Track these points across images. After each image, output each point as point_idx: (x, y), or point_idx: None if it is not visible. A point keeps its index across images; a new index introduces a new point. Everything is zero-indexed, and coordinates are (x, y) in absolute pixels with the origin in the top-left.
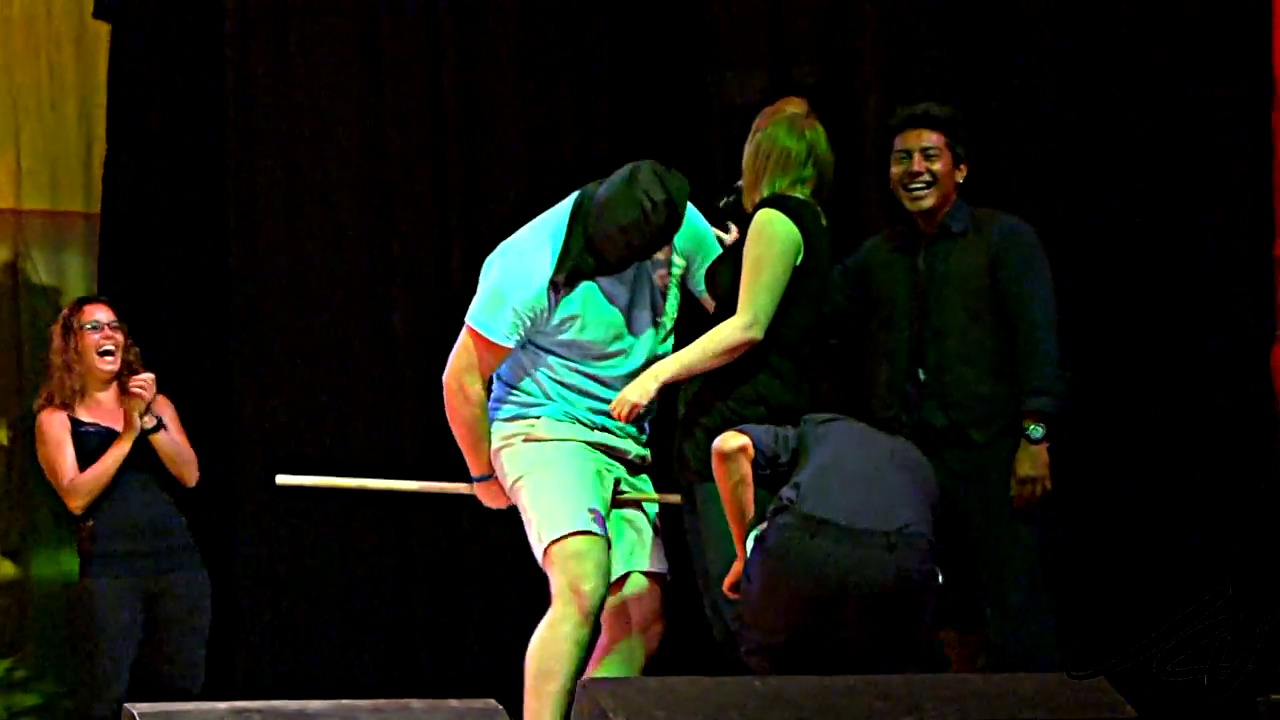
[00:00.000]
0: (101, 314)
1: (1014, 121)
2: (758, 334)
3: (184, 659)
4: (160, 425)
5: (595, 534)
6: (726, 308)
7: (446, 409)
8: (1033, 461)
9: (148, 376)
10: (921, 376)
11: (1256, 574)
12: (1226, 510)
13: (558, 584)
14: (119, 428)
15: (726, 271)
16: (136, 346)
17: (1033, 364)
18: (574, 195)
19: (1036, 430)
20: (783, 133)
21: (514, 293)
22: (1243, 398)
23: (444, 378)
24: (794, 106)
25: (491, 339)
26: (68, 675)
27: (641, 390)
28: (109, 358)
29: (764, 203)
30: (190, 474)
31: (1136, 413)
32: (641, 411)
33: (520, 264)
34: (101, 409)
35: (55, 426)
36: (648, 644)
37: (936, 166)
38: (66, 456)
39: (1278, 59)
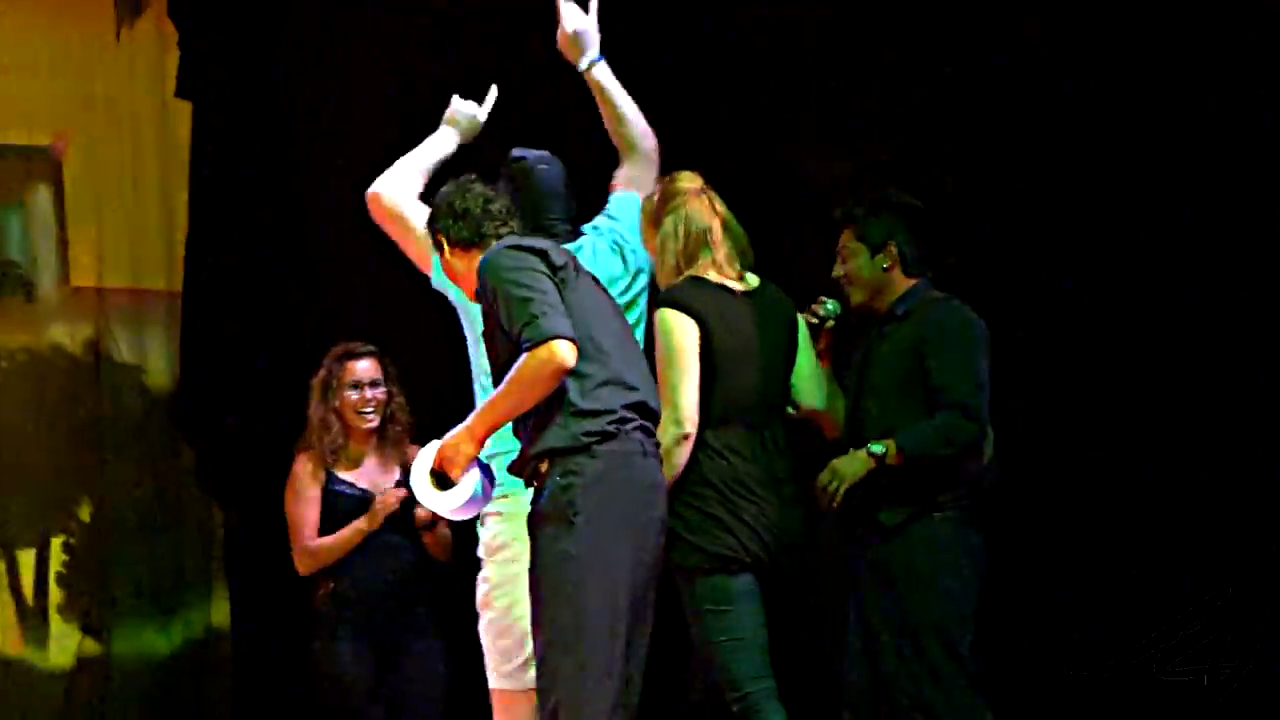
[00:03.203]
0: (364, 371)
1: (1091, 192)
2: (689, 428)
3: None
4: (432, 524)
5: None
6: None
7: None
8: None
9: (396, 494)
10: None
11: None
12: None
13: None
14: (374, 488)
15: None
16: (402, 397)
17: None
18: None
19: (878, 447)
20: (697, 213)
21: None
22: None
23: None
24: (688, 182)
25: None
26: None
27: None
28: (369, 416)
29: (658, 301)
30: (447, 555)
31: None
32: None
33: None
34: (361, 469)
35: (303, 477)
36: None
37: (850, 265)
38: (307, 512)
39: None
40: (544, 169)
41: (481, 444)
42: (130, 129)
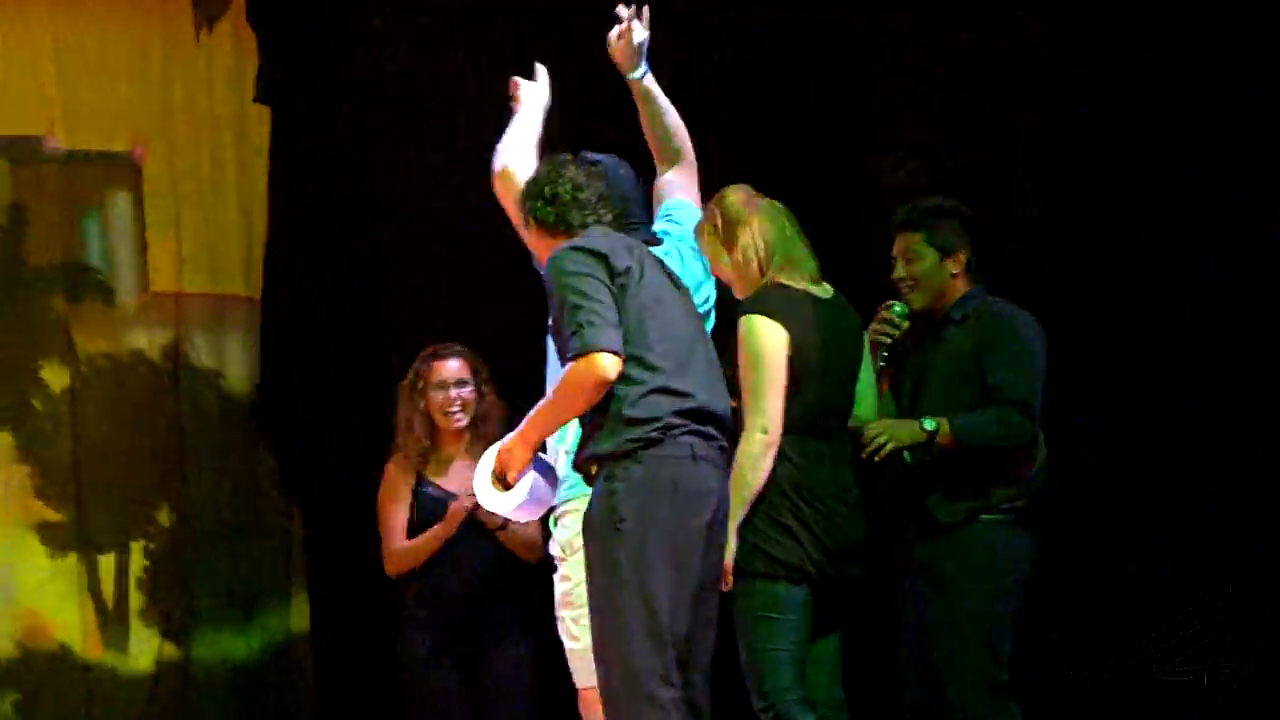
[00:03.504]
0: (451, 371)
1: (1171, 194)
2: (776, 435)
3: None
4: (502, 524)
5: None
6: None
7: None
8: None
9: (471, 499)
10: (906, 458)
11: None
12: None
13: None
14: (465, 490)
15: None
16: (494, 396)
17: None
18: None
19: (930, 423)
20: (767, 218)
21: None
22: None
23: None
24: (744, 192)
25: None
26: None
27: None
28: (456, 416)
29: (743, 307)
30: (532, 555)
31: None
32: None
33: None
34: (450, 470)
35: (393, 480)
36: None
37: (917, 268)
38: (396, 514)
39: None
40: (622, 173)
41: (534, 448)
42: (209, 134)
